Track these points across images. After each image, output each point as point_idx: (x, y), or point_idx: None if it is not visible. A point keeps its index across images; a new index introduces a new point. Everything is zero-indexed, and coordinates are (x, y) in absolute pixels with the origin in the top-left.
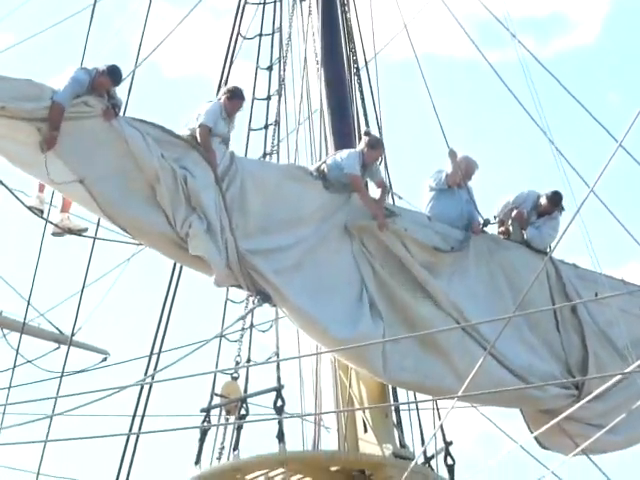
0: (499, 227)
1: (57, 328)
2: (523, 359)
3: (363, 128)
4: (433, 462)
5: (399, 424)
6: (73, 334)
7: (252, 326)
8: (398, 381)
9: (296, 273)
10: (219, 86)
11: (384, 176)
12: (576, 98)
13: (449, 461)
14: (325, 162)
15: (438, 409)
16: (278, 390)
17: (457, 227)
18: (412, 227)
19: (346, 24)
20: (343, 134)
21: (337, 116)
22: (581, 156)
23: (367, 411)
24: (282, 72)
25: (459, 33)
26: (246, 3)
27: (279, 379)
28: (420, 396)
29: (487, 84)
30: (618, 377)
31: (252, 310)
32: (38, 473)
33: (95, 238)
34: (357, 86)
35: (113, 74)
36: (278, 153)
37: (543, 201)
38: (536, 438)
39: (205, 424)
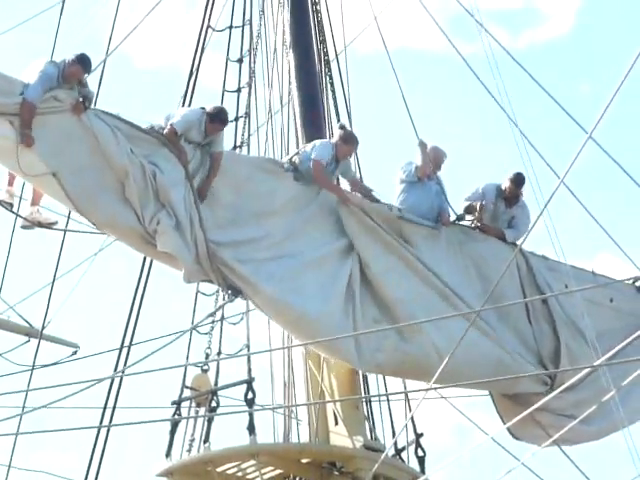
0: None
1: (27, 321)
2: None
3: (334, 120)
4: (404, 454)
5: (370, 416)
6: (43, 327)
7: (223, 319)
8: (373, 368)
9: (268, 264)
10: (189, 79)
11: (355, 169)
12: (545, 89)
13: (420, 453)
14: (297, 154)
15: (409, 401)
16: (249, 382)
17: (428, 219)
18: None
19: (316, 16)
20: (314, 126)
21: (307, 108)
22: (552, 148)
23: (338, 403)
24: (252, 64)
25: (431, 26)
26: None
27: (250, 371)
28: (391, 388)
29: (458, 76)
30: (589, 369)
31: (223, 306)
32: (9, 466)
33: (65, 230)
34: (327, 78)
35: (83, 62)
36: (249, 145)
37: (507, 184)
38: (509, 429)
39: (176, 416)
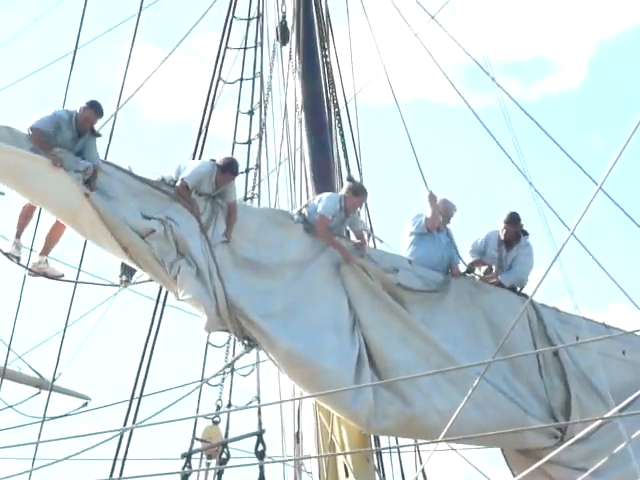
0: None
1: (38, 373)
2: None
3: (344, 172)
4: None
5: (381, 468)
6: (54, 379)
7: (233, 370)
8: (381, 430)
9: (282, 317)
10: (199, 131)
11: (365, 220)
12: (556, 141)
13: None
14: (306, 206)
15: (419, 452)
16: (259, 435)
17: (438, 270)
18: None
19: (326, 68)
20: (323, 178)
21: (317, 160)
22: (563, 199)
23: (348, 455)
24: (263, 116)
25: (443, 77)
26: (227, 48)
27: (260, 423)
28: (402, 441)
29: (470, 127)
30: (600, 421)
31: (239, 357)
32: None
33: (76, 282)
34: (338, 130)
35: (95, 107)
36: (259, 197)
37: (502, 227)
38: None
39: (186, 469)
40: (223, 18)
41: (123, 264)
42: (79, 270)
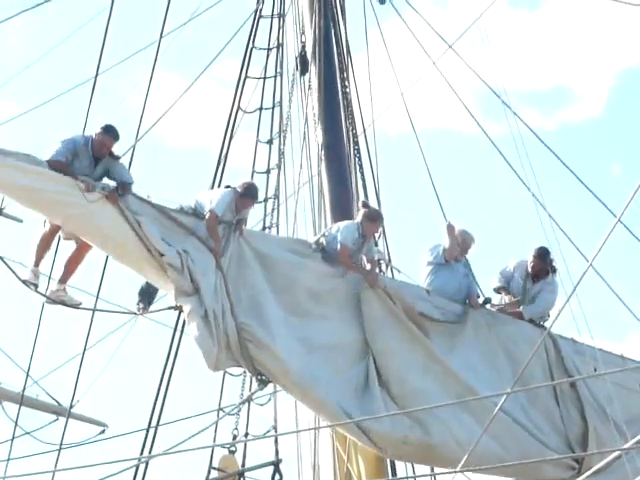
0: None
1: (56, 400)
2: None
3: (362, 200)
4: None
5: None
6: (71, 406)
7: (250, 399)
8: (399, 455)
9: (296, 346)
10: (218, 160)
11: (383, 249)
12: (573, 172)
13: None
14: (324, 235)
15: None
16: (276, 464)
17: (455, 301)
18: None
19: (345, 98)
20: (342, 207)
21: (336, 189)
22: (580, 229)
23: None
24: (282, 146)
25: (461, 106)
26: (247, 77)
27: (277, 453)
28: (418, 471)
29: (487, 156)
30: (617, 453)
31: (253, 394)
32: None
33: (94, 310)
34: (356, 159)
35: (110, 131)
36: (278, 226)
37: (530, 259)
38: None
39: None
40: (244, 45)
41: (141, 291)
42: (97, 297)
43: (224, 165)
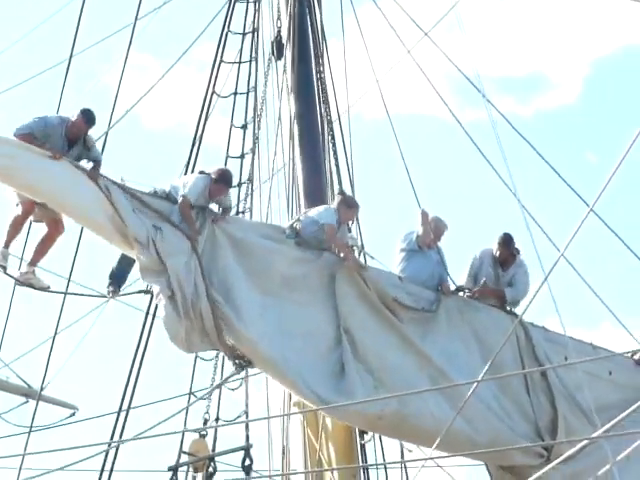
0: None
1: (25, 382)
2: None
3: (336, 186)
4: None
5: None
6: (42, 389)
7: (221, 384)
8: (380, 425)
9: (272, 331)
10: (192, 145)
11: (356, 235)
12: (546, 160)
13: None
14: (298, 219)
15: (406, 469)
16: (246, 449)
17: (428, 287)
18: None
19: (320, 83)
20: (316, 192)
21: (310, 174)
22: (553, 217)
23: (335, 471)
24: (256, 131)
25: (434, 92)
26: (222, 62)
27: (247, 438)
28: (388, 456)
29: (462, 143)
30: (586, 441)
31: (228, 378)
32: None
33: (65, 293)
34: (331, 145)
35: (87, 116)
36: (251, 211)
37: (496, 248)
38: None
39: None
40: (219, 29)
41: (111, 274)
42: (69, 280)
43: (198, 149)
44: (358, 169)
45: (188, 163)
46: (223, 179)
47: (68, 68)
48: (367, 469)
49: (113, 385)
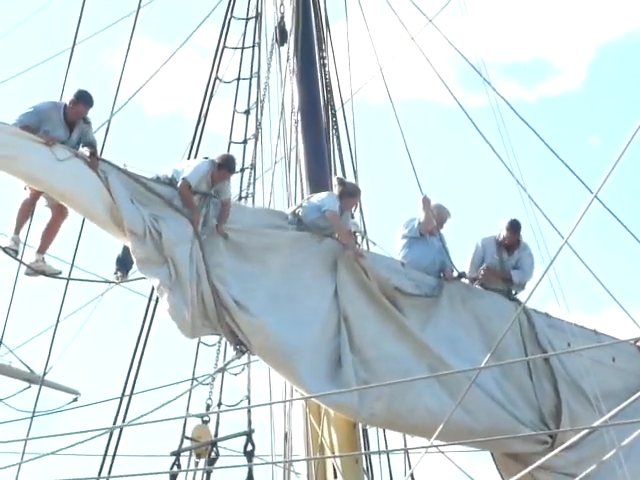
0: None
1: (28, 367)
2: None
3: (339, 172)
4: None
5: (369, 470)
6: (45, 373)
7: (224, 370)
8: (373, 421)
9: (273, 309)
10: (195, 130)
11: (359, 221)
12: (550, 147)
13: None
14: (301, 206)
15: (409, 456)
16: (248, 434)
17: (429, 274)
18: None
19: (324, 69)
20: (318, 178)
21: (313, 160)
22: (557, 204)
23: (337, 457)
24: (259, 116)
25: (438, 78)
26: (224, 47)
27: (249, 423)
28: (391, 443)
29: (464, 129)
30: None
31: (230, 362)
32: None
33: (69, 279)
34: (334, 131)
35: (84, 98)
36: (254, 197)
37: (504, 233)
38: None
39: (175, 467)
40: (223, 14)
41: (118, 260)
42: (72, 266)
43: (201, 135)
44: (361, 154)
45: (191, 148)
46: (226, 165)
47: (71, 55)
48: (369, 455)
49: (116, 370)
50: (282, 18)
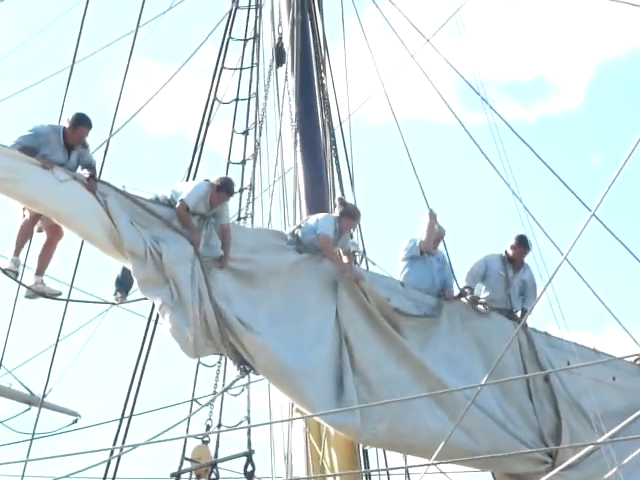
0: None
1: (28, 389)
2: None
3: (338, 192)
4: None
5: None
6: (44, 395)
7: (224, 392)
8: (375, 442)
9: (274, 332)
10: (194, 151)
11: (357, 240)
12: (549, 166)
13: None
14: (300, 226)
15: (409, 475)
16: (249, 455)
17: (430, 294)
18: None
19: (322, 90)
20: (317, 198)
21: (311, 181)
22: (556, 221)
23: (338, 476)
24: (258, 137)
25: (438, 97)
26: (223, 68)
27: (249, 444)
28: (391, 462)
29: (465, 147)
30: (591, 447)
31: (234, 382)
32: None
33: (68, 300)
34: (332, 151)
35: (82, 121)
36: (252, 217)
37: (513, 248)
38: None
39: None
40: (221, 35)
41: (117, 281)
42: (71, 287)
43: (200, 156)
44: (360, 173)
45: (190, 169)
46: (225, 187)
47: (70, 75)
48: (370, 475)
49: (115, 392)
50: (280, 39)
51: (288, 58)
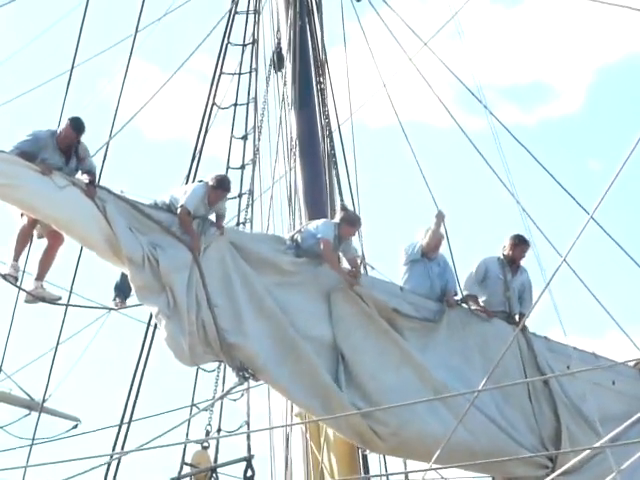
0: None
1: (28, 394)
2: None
3: (337, 197)
4: None
5: None
6: (44, 400)
7: (224, 397)
8: (373, 449)
9: (270, 342)
10: (192, 156)
11: (357, 245)
12: (547, 170)
13: None
14: (299, 231)
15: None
16: (248, 460)
17: (430, 299)
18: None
19: (321, 94)
20: (316, 203)
21: (310, 185)
22: (555, 224)
23: None
24: (257, 142)
25: (438, 100)
26: (222, 73)
27: (249, 449)
28: (391, 467)
29: (465, 151)
30: (590, 451)
31: (233, 388)
32: None
33: (67, 305)
34: (331, 156)
35: (72, 124)
36: (252, 222)
37: (511, 247)
38: None
39: None
40: (219, 40)
41: (116, 287)
42: (70, 292)
43: (198, 161)
44: (360, 177)
45: (189, 174)
46: (221, 185)
47: (69, 80)
48: (369, 479)
49: (115, 397)
50: (279, 44)
51: (287, 63)
